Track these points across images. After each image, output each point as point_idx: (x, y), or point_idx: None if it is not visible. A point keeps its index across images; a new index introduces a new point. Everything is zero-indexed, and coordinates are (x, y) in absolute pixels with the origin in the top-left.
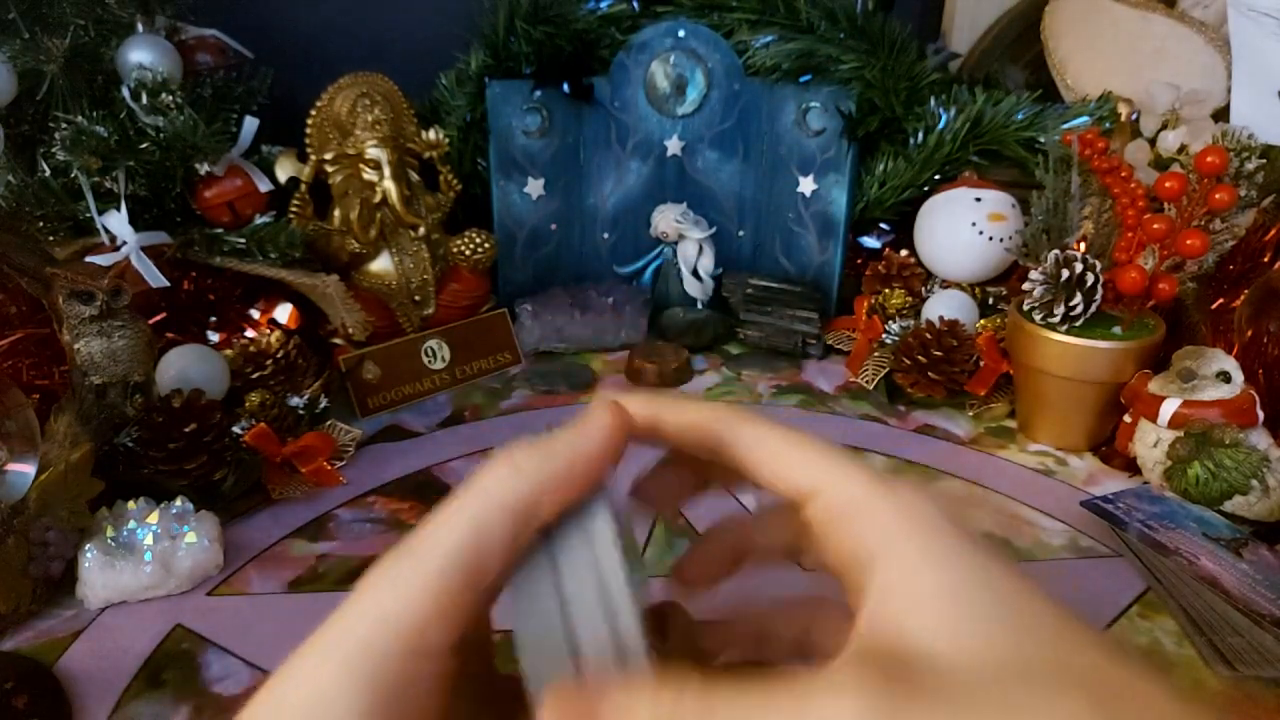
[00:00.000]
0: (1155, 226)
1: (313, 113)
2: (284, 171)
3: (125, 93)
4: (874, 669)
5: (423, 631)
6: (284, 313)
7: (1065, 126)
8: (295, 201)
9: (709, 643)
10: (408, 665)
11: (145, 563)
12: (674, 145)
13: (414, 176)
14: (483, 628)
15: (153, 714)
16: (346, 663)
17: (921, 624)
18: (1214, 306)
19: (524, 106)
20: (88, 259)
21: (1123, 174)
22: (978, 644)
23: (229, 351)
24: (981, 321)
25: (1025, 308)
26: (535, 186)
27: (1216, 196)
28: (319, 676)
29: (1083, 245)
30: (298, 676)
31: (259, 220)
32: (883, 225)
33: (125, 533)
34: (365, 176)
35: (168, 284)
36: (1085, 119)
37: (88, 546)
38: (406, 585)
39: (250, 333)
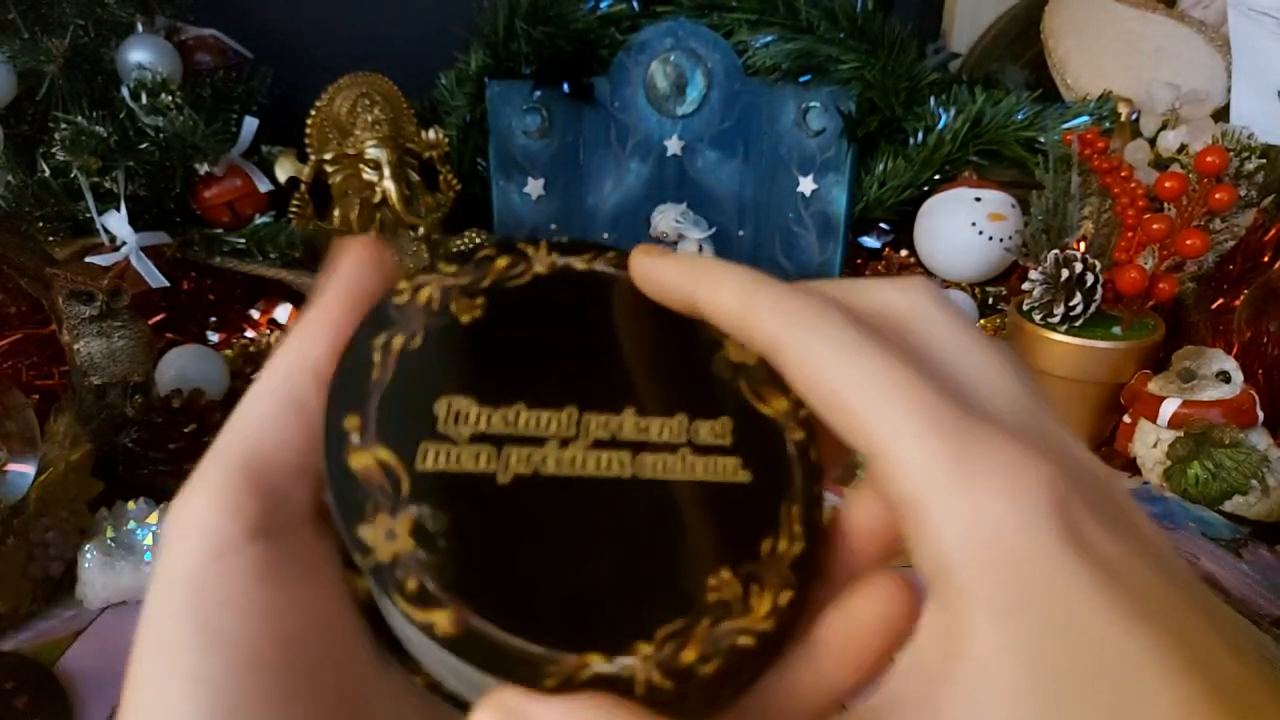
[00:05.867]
0: (1155, 226)
1: (312, 113)
2: (284, 171)
3: (125, 93)
4: None
5: (208, 534)
6: (284, 313)
7: (1065, 126)
8: (295, 201)
9: None
10: (211, 572)
11: (145, 563)
12: (674, 145)
13: (414, 176)
14: None
15: None
16: (174, 602)
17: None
18: (1214, 306)
19: (524, 106)
20: (87, 259)
21: (1123, 174)
22: None
23: (229, 352)
24: (981, 321)
25: (1025, 308)
26: (535, 186)
27: (1216, 196)
28: (154, 627)
29: (1082, 245)
30: (142, 626)
31: (259, 220)
32: (882, 225)
33: (125, 533)
34: (365, 176)
35: (167, 284)
36: (1085, 119)
37: (87, 547)
38: (193, 492)
39: (250, 333)
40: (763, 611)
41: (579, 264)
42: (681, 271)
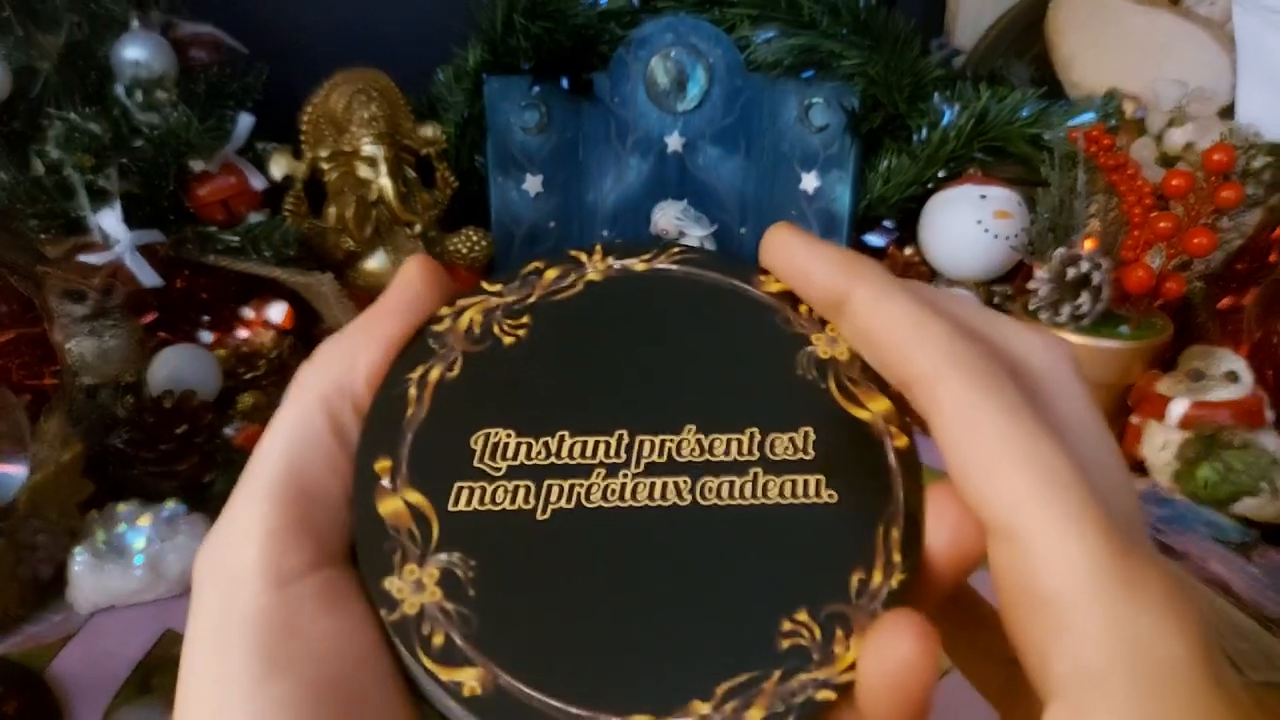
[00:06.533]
0: (1162, 225)
1: (308, 109)
2: (279, 169)
3: (119, 89)
4: None
5: (266, 571)
6: (278, 312)
7: (1071, 123)
8: (290, 199)
9: None
10: (271, 605)
11: (135, 566)
12: (674, 142)
13: (410, 173)
14: None
15: (143, 719)
16: (233, 632)
17: None
18: (1222, 306)
19: (522, 102)
20: (80, 258)
21: (1129, 171)
22: None
23: (221, 351)
24: None
25: (1031, 307)
26: (533, 183)
27: (1223, 194)
28: (210, 666)
29: (1089, 243)
30: (192, 667)
31: (253, 218)
32: (886, 223)
33: (115, 536)
34: (361, 174)
35: (161, 283)
36: (1091, 116)
37: (77, 550)
38: (243, 531)
39: (243, 332)
40: (849, 660)
41: (638, 265)
42: (837, 265)
